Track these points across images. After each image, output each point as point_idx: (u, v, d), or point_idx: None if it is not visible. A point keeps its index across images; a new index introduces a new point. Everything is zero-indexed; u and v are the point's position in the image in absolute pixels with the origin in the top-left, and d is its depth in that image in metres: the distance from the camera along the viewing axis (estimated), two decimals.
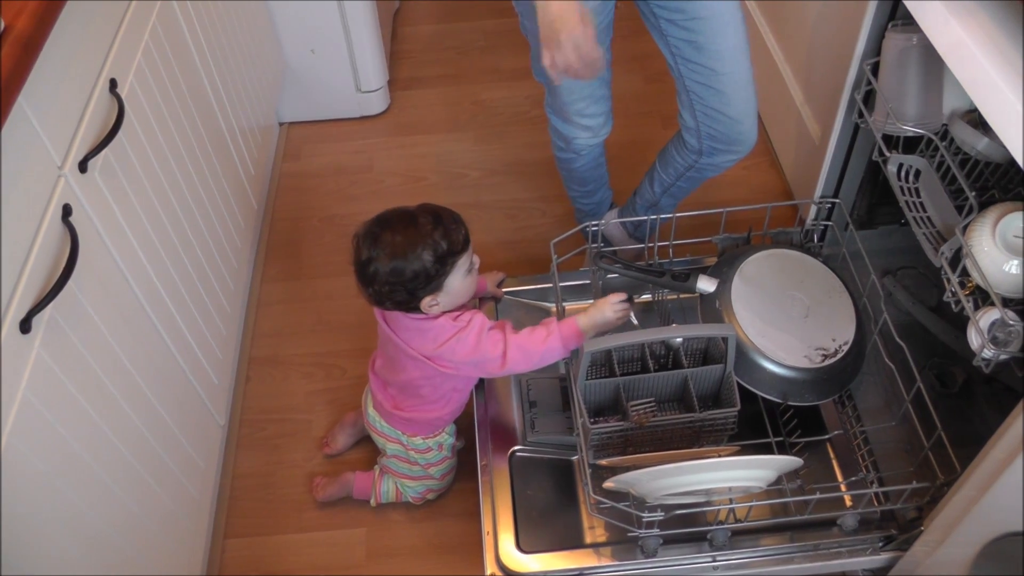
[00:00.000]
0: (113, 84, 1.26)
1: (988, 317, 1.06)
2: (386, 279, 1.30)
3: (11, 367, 0.97)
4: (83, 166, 1.15)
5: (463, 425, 1.66)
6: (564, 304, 1.55)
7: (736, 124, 1.52)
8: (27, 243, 1.03)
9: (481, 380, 1.57)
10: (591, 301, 1.68)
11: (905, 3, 1.18)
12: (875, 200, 1.65)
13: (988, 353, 1.05)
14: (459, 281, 1.34)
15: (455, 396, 1.51)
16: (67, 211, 1.10)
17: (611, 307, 1.38)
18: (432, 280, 1.31)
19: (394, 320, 1.40)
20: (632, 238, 1.87)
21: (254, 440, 1.78)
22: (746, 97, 1.50)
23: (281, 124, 2.40)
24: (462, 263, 1.33)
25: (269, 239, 2.13)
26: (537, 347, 1.36)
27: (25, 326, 0.99)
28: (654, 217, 1.60)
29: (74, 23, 1.16)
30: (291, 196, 2.24)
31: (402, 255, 1.29)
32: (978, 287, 1.10)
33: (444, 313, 1.37)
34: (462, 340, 1.36)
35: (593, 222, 1.61)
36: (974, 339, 1.07)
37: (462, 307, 1.40)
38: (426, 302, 1.33)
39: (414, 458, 1.55)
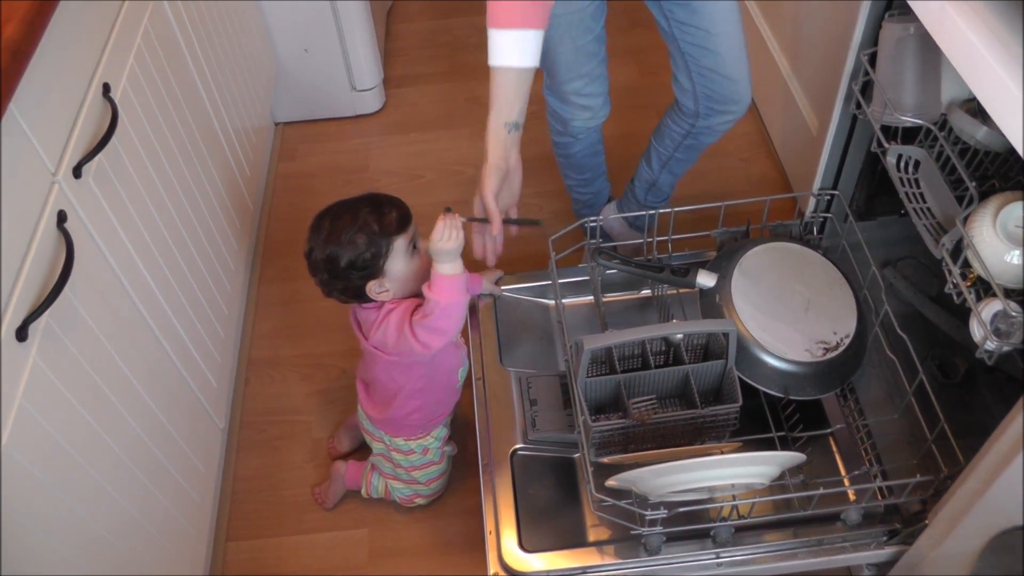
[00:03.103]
0: (106, 88, 1.25)
1: (990, 308, 1.05)
2: (324, 267, 1.31)
3: (8, 376, 0.96)
4: (77, 172, 1.14)
5: (461, 424, 1.66)
6: (563, 300, 1.54)
7: (732, 83, 1.53)
8: (22, 250, 1.02)
9: (469, 377, 1.55)
10: (590, 297, 1.68)
11: None
12: (874, 191, 1.64)
13: (991, 345, 1.04)
14: (402, 264, 1.32)
15: (417, 396, 1.46)
16: (62, 217, 1.10)
17: (438, 235, 1.29)
18: (369, 265, 1.30)
19: (359, 313, 1.41)
20: (633, 228, 1.86)
21: (254, 442, 1.77)
22: (739, 56, 1.52)
23: (276, 124, 2.39)
24: (399, 245, 1.31)
25: (266, 240, 2.12)
26: (429, 317, 1.31)
27: (21, 334, 0.99)
28: (653, 212, 1.59)
29: (65, 27, 1.15)
30: (287, 196, 2.23)
31: (336, 241, 1.29)
32: (980, 278, 1.09)
33: (395, 301, 1.36)
34: (388, 324, 1.35)
35: (592, 218, 1.60)
36: (976, 331, 1.06)
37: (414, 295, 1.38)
38: (372, 287, 1.32)
39: (397, 459, 1.54)
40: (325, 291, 1.35)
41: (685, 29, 1.49)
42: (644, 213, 1.72)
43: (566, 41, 1.50)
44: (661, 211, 1.59)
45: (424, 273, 1.35)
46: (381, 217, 1.30)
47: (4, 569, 0.94)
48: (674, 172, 1.75)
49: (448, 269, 1.30)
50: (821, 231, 1.66)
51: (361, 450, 1.72)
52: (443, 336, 1.34)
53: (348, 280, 1.32)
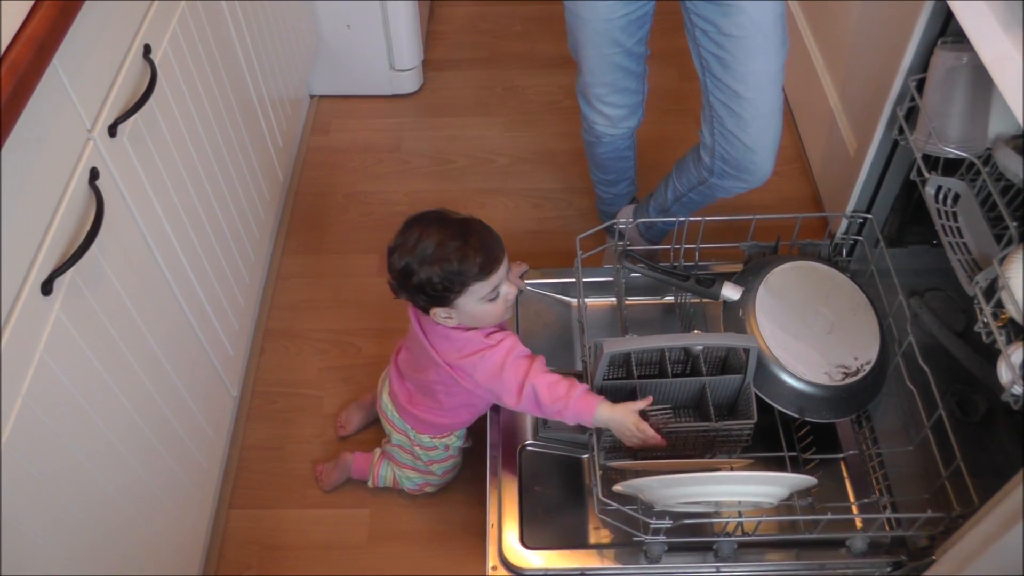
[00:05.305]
0: (147, 49, 1.25)
1: (1021, 352, 1.03)
2: (397, 274, 1.28)
3: (30, 328, 0.97)
4: (112, 130, 1.14)
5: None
6: (586, 300, 1.53)
7: (750, 152, 1.48)
8: (53, 204, 1.03)
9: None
10: (612, 299, 1.67)
11: (958, 20, 1.15)
12: (907, 218, 1.62)
13: (1019, 389, 1.02)
14: (473, 305, 1.27)
15: (466, 411, 1.48)
16: (94, 175, 1.10)
17: (635, 428, 1.26)
18: (438, 296, 1.26)
19: (425, 319, 1.36)
20: (643, 238, 1.85)
21: (264, 413, 1.77)
22: (765, 127, 1.46)
23: (312, 97, 2.39)
24: (476, 289, 1.25)
25: (292, 212, 2.12)
26: (549, 403, 1.29)
27: (47, 288, 0.99)
28: (681, 219, 1.58)
29: None
30: (317, 170, 2.22)
31: (414, 259, 1.24)
32: (1012, 320, 1.07)
33: (472, 328, 1.33)
34: (486, 359, 1.31)
35: (621, 220, 1.59)
36: (1004, 374, 1.04)
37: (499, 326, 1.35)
38: (438, 313, 1.29)
39: (418, 453, 1.54)
40: (394, 293, 1.31)
41: (716, 84, 1.44)
42: (662, 220, 1.71)
43: (591, 46, 1.48)
44: (692, 219, 1.58)
45: (500, 316, 1.32)
46: (464, 256, 1.23)
47: (9, 520, 0.94)
48: (687, 207, 1.70)
49: (602, 421, 1.27)
50: (850, 254, 1.64)
51: (368, 429, 1.73)
52: (535, 412, 1.33)
53: (414, 297, 1.29)
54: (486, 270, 1.25)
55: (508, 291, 1.30)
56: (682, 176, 1.66)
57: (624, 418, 1.26)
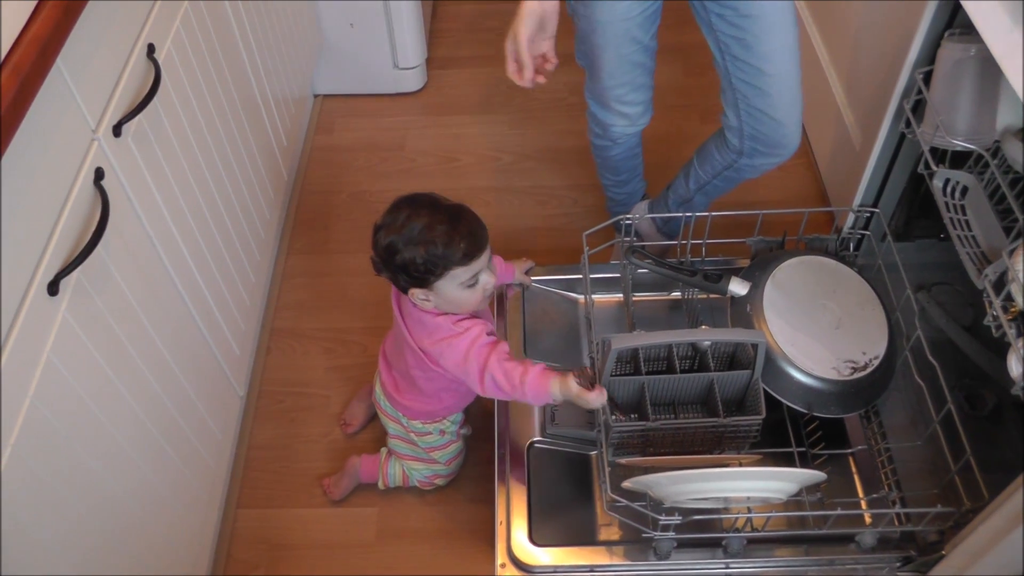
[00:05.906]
0: (151, 49, 1.25)
1: None
2: (381, 252, 1.30)
3: (37, 329, 0.97)
4: (117, 130, 1.14)
5: (480, 413, 1.65)
6: (593, 296, 1.53)
7: (780, 127, 1.49)
8: (58, 205, 1.03)
9: None
10: (619, 295, 1.67)
11: (967, 11, 1.14)
12: (914, 212, 1.61)
13: None
14: (452, 290, 1.30)
15: (448, 396, 1.48)
16: (99, 175, 1.10)
17: (577, 395, 1.27)
18: (419, 277, 1.28)
19: (404, 304, 1.39)
20: (660, 234, 1.84)
21: (271, 412, 1.78)
22: (792, 100, 1.46)
23: (316, 96, 2.38)
24: (457, 274, 1.28)
25: (297, 211, 2.12)
26: (509, 391, 1.31)
27: (53, 288, 0.99)
28: (688, 215, 1.58)
29: None
30: (321, 170, 2.22)
31: (399, 237, 1.27)
32: (1022, 313, 1.07)
33: (445, 313, 1.35)
34: (453, 346, 1.33)
35: (627, 216, 1.58)
36: (1014, 367, 1.04)
37: (472, 314, 1.37)
38: (415, 293, 1.31)
39: (415, 440, 1.54)
40: (376, 270, 1.34)
41: (738, 65, 1.44)
42: (677, 215, 1.71)
43: (610, 48, 1.48)
44: (698, 214, 1.58)
45: (476, 304, 1.34)
46: (450, 240, 1.25)
47: (15, 521, 0.94)
48: (710, 195, 1.71)
49: (557, 396, 1.29)
50: (857, 248, 1.63)
51: (372, 432, 1.72)
52: (499, 396, 1.34)
53: (396, 276, 1.31)
54: (469, 256, 1.27)
55: (487, 280, 1.32)
56: (705, 164, 1.65)
57: (567, 389, 1.28)
